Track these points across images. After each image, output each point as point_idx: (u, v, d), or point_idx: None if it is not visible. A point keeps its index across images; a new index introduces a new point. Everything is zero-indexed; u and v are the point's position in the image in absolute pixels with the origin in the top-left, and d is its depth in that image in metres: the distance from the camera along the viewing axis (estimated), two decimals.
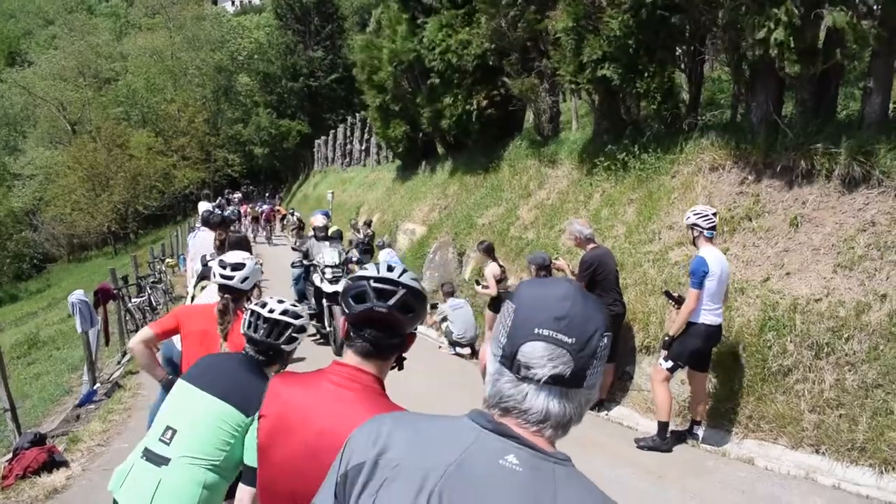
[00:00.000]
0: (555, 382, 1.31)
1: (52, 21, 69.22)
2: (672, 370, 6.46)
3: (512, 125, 15.14)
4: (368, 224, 18.75)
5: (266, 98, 52.82)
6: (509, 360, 1.34)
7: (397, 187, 21.24)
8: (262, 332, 3.30)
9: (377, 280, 2.10)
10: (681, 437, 6.77)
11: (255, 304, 3.41)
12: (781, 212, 7.42)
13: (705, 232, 6.48)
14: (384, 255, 14.39)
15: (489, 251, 9.98)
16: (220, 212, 10.53)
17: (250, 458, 2.98)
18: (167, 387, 4.25)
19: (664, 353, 6.54)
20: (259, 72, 53.68)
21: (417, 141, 19.50)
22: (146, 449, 3.11)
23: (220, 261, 4.29)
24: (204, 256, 7.61)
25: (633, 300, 8.14)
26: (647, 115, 10.08)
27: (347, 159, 35.14)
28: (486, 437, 1.32)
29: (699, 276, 6.30)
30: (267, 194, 54.20)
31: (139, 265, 14.49)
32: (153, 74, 59.25)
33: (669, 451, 6.50)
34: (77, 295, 9.92)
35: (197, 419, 3.11)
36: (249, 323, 3.35)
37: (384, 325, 2.10)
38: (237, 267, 4.25)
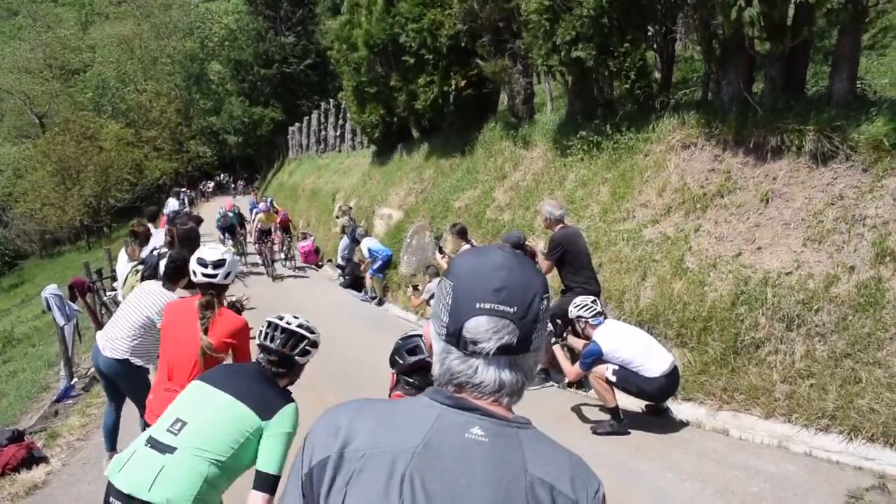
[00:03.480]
0: (503, 353, 1.32)
1: (17, 12, 67.91)
2: (609, 383, 6.49)
3: (487, 108, 15.16)
4: (346, 211, 18.82)
5: (238, 86, 52.17)
6: (455, 337, 1.34)
7: (373, 173, 21.19)
8: (278, 342, 3.41)
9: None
10: (657, 412, 6.87)
11: (274, 317, 3.50)
12: (752, 188, 7.53)
13: (591, 320, 6.63)
14: (365, 243, 14.62)
15: (462, 234, 9.99)
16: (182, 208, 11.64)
17: (269, 465, 3.06)
18: None
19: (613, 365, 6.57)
20: (230, 59, 52.99)
21: (393, 125, 19.43)
22: (151, 437, 3.12)
23: (200, 259, 4.30)
24: (154, 249, 7.57)
25: (608, 279, 8.24)
26: (620, 94, 10.15)
27: (322, 146, 34.91)
28: (448, 412, 1.33)
29: (590, 361, 6.43)
30: (242, 183, 53.66)
31: (113, 258, 14.34)
32: (122, 63, 58.39)
33: (627, 433, 6.55)
34: (50, 290, 9.85)
35: (211, 414, 3.14)
36: (266, 334, 3.46)
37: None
38: (218, 264, 4.29)
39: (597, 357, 6.39)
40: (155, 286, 5.61)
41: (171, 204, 20.80)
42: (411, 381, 3.04)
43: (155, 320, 5.26)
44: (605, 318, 6.88)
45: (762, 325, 6.54)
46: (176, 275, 5.50)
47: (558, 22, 9.90)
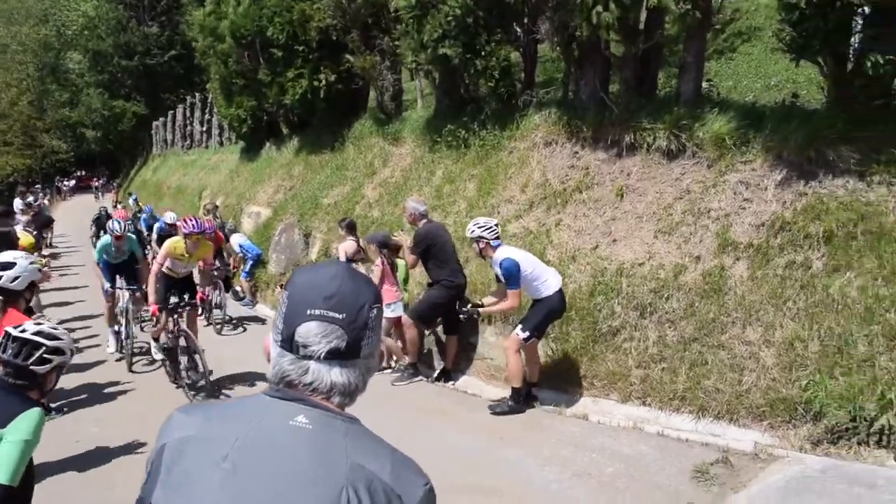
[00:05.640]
0: (333, 357, 1.41)
1: None
2: (527, 340, 6.72)
3: (358, 103, 15.09)
4: (213, 208, 18.20)
5: (98, 77, 49.41)
6: (288, 342, 1.42)
7: (241, 169, 20.66)
8: (10, 352, 3.22)
9: None
10: (523, 400, 7.08)
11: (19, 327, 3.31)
12: (609, 183, 7.89)
13: (492, 242, 6.78)
14: (236, 239, 14.06)
15: (351, 228, 9.88)
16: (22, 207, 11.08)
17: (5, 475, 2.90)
18: None
19: (520, 325, 6.74)
20: (89, 49, 50.16)
21: (261, 120, 18.99)
22: None
23: None
24: None
25: (474, 272, 8.40)
26: (486, 93, 10.35)
27: (188, 141, 33.67)
28: (276, 403, 1.40)
29: (516, 276, 6.55)
30: (102, 181, 50.98)
31: None
32: None
33: (523, 412, 6.79)
34: None
35: None
36: (1, 344, 3.25)
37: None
38: (6, 266, 4.13)
39: (517, 269, 6.49)
40: None
41: (17, 204, 19.52)
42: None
43: None
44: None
45: (618, 314, 6.87)
46: None
47: (426, 19, 10.02)
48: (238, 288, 13.87)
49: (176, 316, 8.05)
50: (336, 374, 1.41)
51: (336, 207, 12.67)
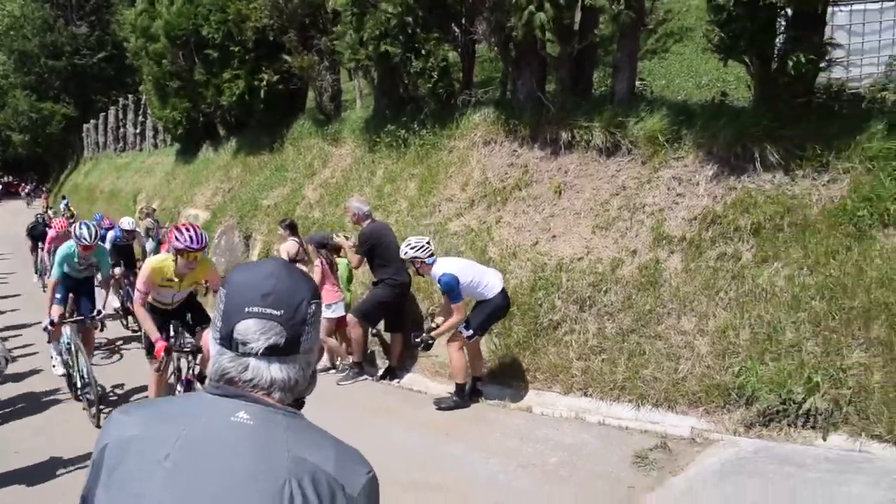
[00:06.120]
0: (272, 353, 1.42)
1: None
2: (471, 338, 6.81)
3: (297, 104, 14.98)
4: (150, 212, 17.84)
5: (24, 79, 47.82)
6: (227, 340, 1.44)
7: (177, 172, 20.31)
8: None
9: None
10: (468, 395, 7.18)
11: None
12: (547, 181, 8.06)
13: (427, 260, 6.86)
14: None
15: (292, 229, 9.81)
16: None
17: None
18: None
19: (464, 323, 6.81)
20: (14, 50, 48.48)
21: (197, 122, 18.67)
22: None
23: None
24: None
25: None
26: (425, 92, 10.42)
27: (121, 144, 32.90)
28: (217, 400, 1.42)
29: (456, 290, 6.63)
30: (31, 186, 49.34)
31: None
32: None
33: (468, 406, 6.89)
34: None
35: None
36: None
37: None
38: None
39: (457, 283, 6.57)
40: None
41: None
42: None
43: None
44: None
45: (558, 308, 7.03)
46: None
47: (365, 18, 10.05)
48: None
49: (188, 358, 6.18)
50: (276, 370, 1.43)
51: (276, 209, 12.59)
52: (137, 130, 30.09)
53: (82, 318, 7.65)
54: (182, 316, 6.64)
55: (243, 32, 13.87)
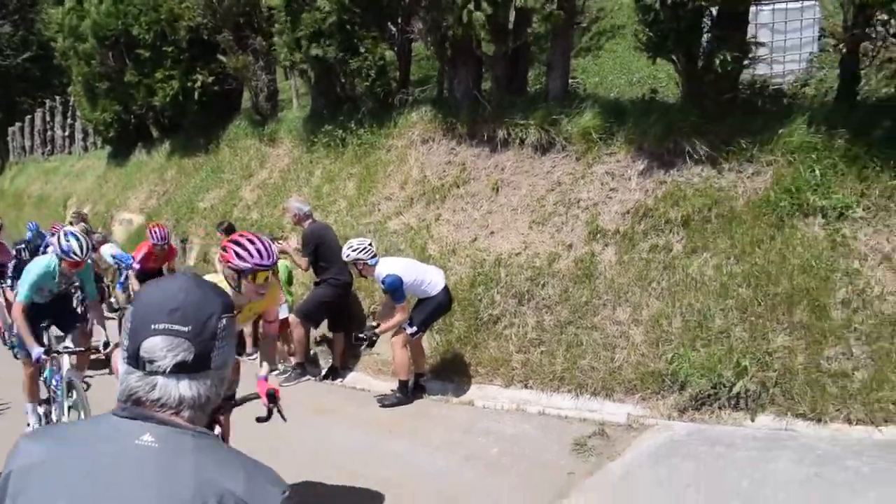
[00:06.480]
0: (180, 370, 1.40)
1: None
2: (414, 335, 6.86)
3: (232, 104, 14.80)
4: (83, 217, 17.34)
5: None
6: (134, 358, 1.41)
7: (109, 175, 19.84)
8: None
9: None
10: (411, 391, 7.24)
11: None
12: (485, 178, 8.18)
13: (369, 261, 6.89)
14: (107, 249, 13.45)
15: (230, 231, 9.66)
16: None
17: None
18: None
19: (408, 321, 6.88)
20: None
21: (129, 124, 18.26)
22: None
23: None
24: None
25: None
26: (362, 92, 10.44)
27: (49, 147, 31.86)
28: (124, 423, 1.39)
29: (400, 290, 6.68)
30: None
31: None
32: None
33: (411, 403, 6.95)
34: None
35: None
36: None
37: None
38: None
39: (401, 283, 6.60)
40: None
41: None
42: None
43: None
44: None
45: (498, 303, 7.16)
46: None
47: (300, 17, 10.03)
48: (113, 300, 13.31)
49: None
50: (184, 388, 1.40)
51: (213, 211, 12.44)
52: (66, 133, 29.22)
53: (75, 349, 6.27)
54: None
55: (176, 32, 13.66)
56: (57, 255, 5.94)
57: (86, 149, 26.22)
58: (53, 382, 6.09)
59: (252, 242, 4.05)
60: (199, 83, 13.75)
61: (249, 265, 3.98)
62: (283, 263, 8.39)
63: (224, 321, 1.45)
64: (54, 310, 6.41)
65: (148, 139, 18.17)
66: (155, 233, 9.46)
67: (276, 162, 11.94)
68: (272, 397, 4.14)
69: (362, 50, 9.75)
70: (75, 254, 5.84)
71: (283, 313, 8.10)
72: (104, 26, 15.60)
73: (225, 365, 1.48)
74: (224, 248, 4.10)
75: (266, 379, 4.32)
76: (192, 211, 13.06)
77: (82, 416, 5.42)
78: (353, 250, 6.88)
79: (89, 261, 6.30)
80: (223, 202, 12.41)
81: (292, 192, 10.39)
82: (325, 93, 11.14)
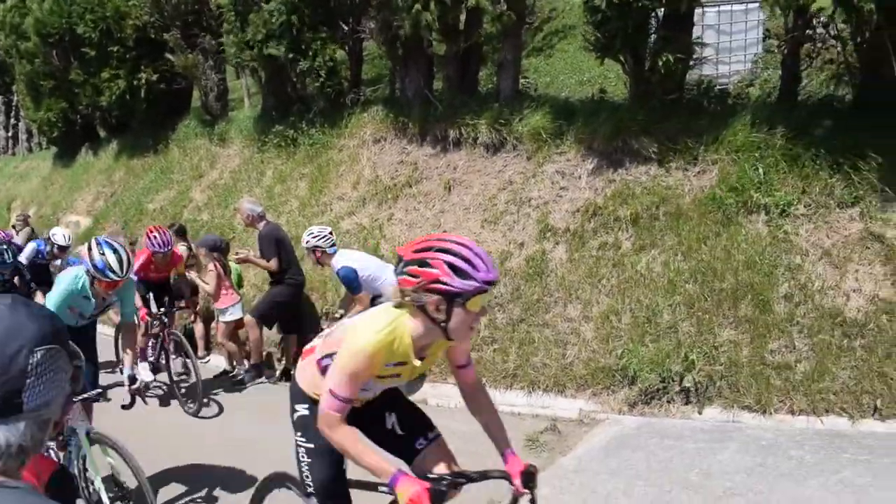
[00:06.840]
0: None
1: None
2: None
3: (181, 104, 14.56)
4: (26, 220, 16.87)
5: None
6: None
7: (55, 177, 19.35)
8: None
9: None
10: None
11: None
12: (437, 177, 8.21)
13: (328, 250, 6.89)
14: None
15: (181, 233, 9.47)
16: None
17: None
18: None
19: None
20: None
21: (75, 124, 17.85)
22: None
23: None
24: None
25: (309, 270, 8.40)
26: (313, 91, 10.38)
27: None
28: None
29: (356, 282, 6.66)
30: None
31: None
32: None
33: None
34: None
35: None
36: None
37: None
38: None
39: (356, 276, 6.57)
40: None
41: None
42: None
43: None
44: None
45: None
46: None
47: (250, 17, 9.94)
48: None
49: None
50: None
51: (163, 212, 12.23)
52: (9, 134, 28.47)
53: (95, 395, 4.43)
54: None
55: (123, 30, 13.41)
56: (88, 271, 4.69)
57: (30, 149, 25.60)
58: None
59: (477, 255, 2.66)
60: (143, 81, 13.50)
61: (478, 282, 2.61)
62: (234, 266, 8.30)
63: (37, 355, 1.21)
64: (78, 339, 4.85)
65: (95, 139, 17.78)
66: (154, 238, 7.52)
67: (227, 162, 11.79)
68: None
69: (312, 50, 9.69)
70: (113, 272, 4.50)
71: (239, 314, 8.03)
72: (47, 24, 15.22)
73: (46, 405, 1.24)
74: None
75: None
76: (141, 213, 12.82)
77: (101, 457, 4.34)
78: (314, 237, 6.86)
79: (133, 277, 5.38)
80: (173, 203, 12.22)
81: (243, 193, 10.29)
82: (276, 93, 11.05)
